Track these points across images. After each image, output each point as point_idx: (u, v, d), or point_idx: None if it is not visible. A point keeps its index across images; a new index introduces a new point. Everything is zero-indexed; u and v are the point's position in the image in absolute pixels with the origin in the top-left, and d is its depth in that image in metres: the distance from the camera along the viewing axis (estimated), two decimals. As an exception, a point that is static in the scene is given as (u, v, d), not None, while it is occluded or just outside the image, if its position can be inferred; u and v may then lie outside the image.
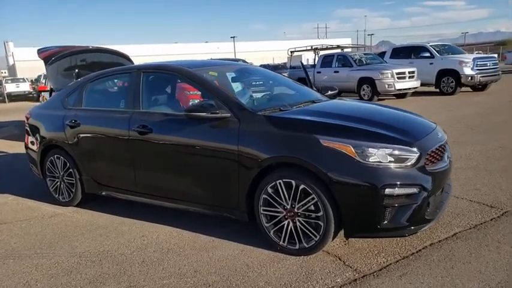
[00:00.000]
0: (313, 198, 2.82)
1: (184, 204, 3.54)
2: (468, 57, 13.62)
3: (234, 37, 62.47)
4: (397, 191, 2.69)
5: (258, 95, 4.00)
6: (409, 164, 2.77)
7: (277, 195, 2.97)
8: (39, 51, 5.09)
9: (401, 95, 13.59)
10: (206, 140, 3.26)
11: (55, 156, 4.42)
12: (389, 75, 12.67)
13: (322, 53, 16.02)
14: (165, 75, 3.93)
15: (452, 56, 14.06)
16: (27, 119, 4.89)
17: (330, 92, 4.39)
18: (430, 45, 14.59)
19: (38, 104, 5.52)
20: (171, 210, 3.83)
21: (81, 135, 4.14)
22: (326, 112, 3.30)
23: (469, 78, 13.26)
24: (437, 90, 14.09)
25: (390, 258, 2.91)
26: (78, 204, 4.43)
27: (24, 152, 8.11)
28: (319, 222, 2.83)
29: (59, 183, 4.48)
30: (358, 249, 3.05)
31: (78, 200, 4.40)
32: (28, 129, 4.87)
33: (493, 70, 13.80)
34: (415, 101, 12.56)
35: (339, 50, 15.89)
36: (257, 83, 4.38)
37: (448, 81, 13.70)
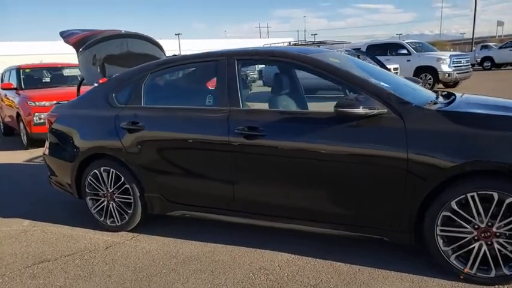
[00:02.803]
0: (527, 215, 2.25)
1: (311, 225, 2.82)
2: (445, 55, 13.93)
3: (179, 34, 60.53)
4: None
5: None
6: None
7: (467, 211, 2.37)
8: (65, 35, 4.02)
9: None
10: (352, 144, 2.57)
11: (101, 169, 3.46)
12: (375, 72, 12.51)
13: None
14: (272, 64, 3.16)
15: (428, 53, 14.32)
16: (50, 122, 3.84)
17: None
18: (406, 43, 14.76)
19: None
20: (264, 231, 3.10)
21: (147, 142, 3.24)
22: (500, 106, 2.75)
23: (447, 75, 13.56)
24: (414, 87, 14.23)
25: None
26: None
27: (19, 162, 6.86)
28: (534, 244, 2.27)
29: (105, 202, 3.51)
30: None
31: (134, 224, 3.48)
32: (53, 135, 3.82)
33: (466, 67, 14.25)
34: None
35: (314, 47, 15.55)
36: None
37: (426, 78, 13.89)
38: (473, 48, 31.47)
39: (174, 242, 3.27)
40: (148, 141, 3.23)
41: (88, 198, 3.59)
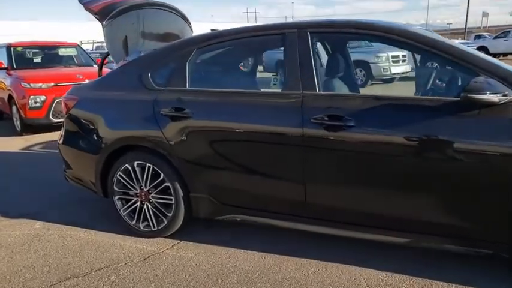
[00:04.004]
0: None
1: (407, 237, 2.31)
2: (453, 42, 13.50)
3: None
4: None
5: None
6: None
7: None
8: (85, 2, 3.37)
9: (388, 79, 13.11)
10: (474, 139, 2.06)
11: (135, 163, 2.88)
12: (384, 59, 12.05)
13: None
14: (356, 38, 2.60)
15: (434, 40, 13.86)
16: (68, 106, 3.21)
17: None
18: (412, 29, 14.31)
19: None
20: (336, 241, 2.58)
21: (196, 132, 2.67)
22: None
23: (454, 63, 13.13)
24: (420, 75, 13.84)
25: None
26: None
27: (15, 151, 6.10)
28: None
29: (139, 203, 2.95)
30: None
31: (174, 229, 2.92)
32: (72, 122, 3.20)
33: (473, 55, 13.86)
34: (408, 86, 12.10)
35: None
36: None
37: (431, 66, 13.48)
38: (466, 38, 31.30)
39: (226, 252, 2.73)
40: (197, 131, 2.67)
41: (116, 197, 3.01)
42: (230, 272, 2.49)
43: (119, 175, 2.95)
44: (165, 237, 2.96)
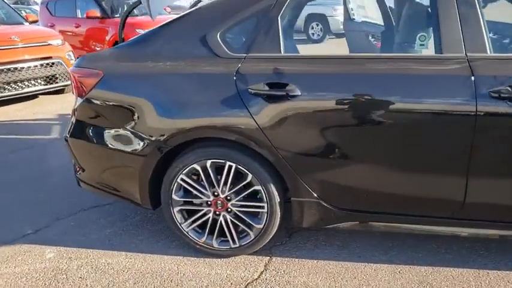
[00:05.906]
0: None
1: None
2: None
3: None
4: None
5: None
6: None
7: None
8: None
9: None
10: None
11: (207, 162, 2.07)
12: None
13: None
14: None
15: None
16: (85, 85, 2.23)
17: None
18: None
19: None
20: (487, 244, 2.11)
21: (305, 116, 1.92)
22: None
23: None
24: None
25: None
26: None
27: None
28: None
29: (211, 214, 2.17)
30: None
31: (262, 244, 2.20)
32: (93, 107, 2.24)
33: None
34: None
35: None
36: None
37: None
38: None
39: (345, 270, 2.10)
40: (308, 115, 1.92)
41: (177, 209, 2.19)
42: (375, 302, 1.88)
43: (181, 179, 2.12)
44: (247, 255, 2.24)
